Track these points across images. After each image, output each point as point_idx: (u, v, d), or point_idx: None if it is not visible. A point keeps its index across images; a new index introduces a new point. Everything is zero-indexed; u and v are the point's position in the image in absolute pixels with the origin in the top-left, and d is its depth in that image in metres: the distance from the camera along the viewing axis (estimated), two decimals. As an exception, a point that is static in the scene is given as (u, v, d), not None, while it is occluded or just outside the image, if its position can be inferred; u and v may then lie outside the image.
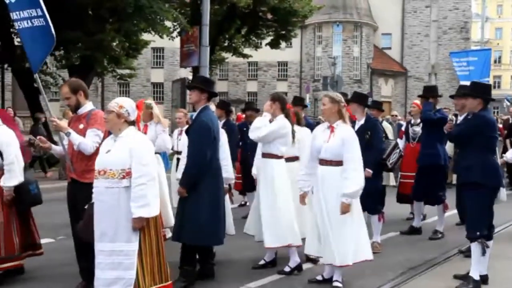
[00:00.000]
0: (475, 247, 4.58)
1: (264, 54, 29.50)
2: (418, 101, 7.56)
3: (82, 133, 4.32)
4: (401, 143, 7.41)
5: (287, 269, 5.10)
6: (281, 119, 5.22)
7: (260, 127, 5.17)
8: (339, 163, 4.51)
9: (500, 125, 12.65)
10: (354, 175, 4.44)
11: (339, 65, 35.19)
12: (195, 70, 18.13)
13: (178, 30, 18.96)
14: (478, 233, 4.52)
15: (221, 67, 36.49)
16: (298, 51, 40.12)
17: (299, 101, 7.09)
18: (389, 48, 40.69)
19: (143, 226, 3.65)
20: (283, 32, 22.41)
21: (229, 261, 5.54)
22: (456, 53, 21.57)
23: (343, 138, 4.48)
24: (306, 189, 4.76)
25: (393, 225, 7.20)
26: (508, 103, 43.25)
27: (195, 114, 4.90)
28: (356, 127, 6.10)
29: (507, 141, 11.65)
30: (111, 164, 3.70)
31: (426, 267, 5.39)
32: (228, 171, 5.28)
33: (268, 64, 40.87)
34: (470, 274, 4.64)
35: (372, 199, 5.95)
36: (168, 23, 16.26)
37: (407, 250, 6.17)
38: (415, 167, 7.08)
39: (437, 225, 7.03)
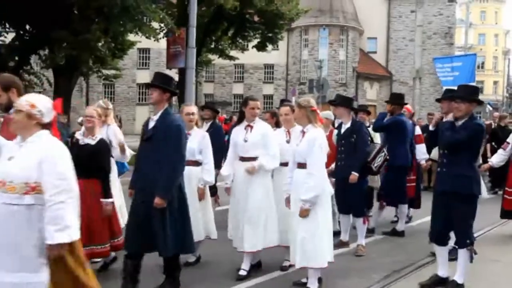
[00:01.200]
0: (463, 254, 4.63)
1: (250, 56, 29.55)
2: (409, 106, 7.67)
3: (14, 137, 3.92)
4: None
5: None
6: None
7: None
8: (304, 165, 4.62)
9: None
10: (310, 181, 4.45)
11: (325, 69, 35.34)
12: (181, 71, 18.07)
13: (165, 31, 18.88)
14: (468, 240, 4.58)
15: (207, 69, 36.45)
16: (284, 54, 40.24)
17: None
18: (375, 52, 41.01)
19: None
20: (270, 34, 22.46)
21: (217, 263, 5.52)
22: (439, 58, 21.82)
23: (309, 141, 4.53)
24: (290, 192, 4.80)
25: (378, 228, 7.24)
26: (491, 108, 43.91)
27: (156, 116, 4.46)
28: (343, 130, 6.19)
29: (488, 146, 11.81)
30: (12, 175, 2.92)
31: (411, 269, 5.44)
32: (209, 174, 5.25)
33: (254, 67, 40.93)
34: (455, 279, 4.66)
35: (357, 202, 6.01)
36: (155, 24, 16.19)
37: (392, 252, 6.21)
38: None
39: (398, 224, 7.20)
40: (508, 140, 7.19)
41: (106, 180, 4.77)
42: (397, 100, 7.22)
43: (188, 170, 4.98)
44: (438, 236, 4.77)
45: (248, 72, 41.77)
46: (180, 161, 4.34)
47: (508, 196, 7.09)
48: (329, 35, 38.16)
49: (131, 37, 18.03)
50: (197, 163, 5.31)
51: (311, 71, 36.84)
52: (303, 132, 4.64)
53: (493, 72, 60.50)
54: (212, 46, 23.12)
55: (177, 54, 18.44)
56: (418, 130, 7.65)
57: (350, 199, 6.05)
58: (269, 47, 24.33)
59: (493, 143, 11.63)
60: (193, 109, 5.46)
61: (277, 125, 5.95)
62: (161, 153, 4.23)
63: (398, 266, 5.55)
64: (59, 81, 15.80)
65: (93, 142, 4.81)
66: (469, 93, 4.73)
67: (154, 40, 16.76)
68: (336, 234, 6.24)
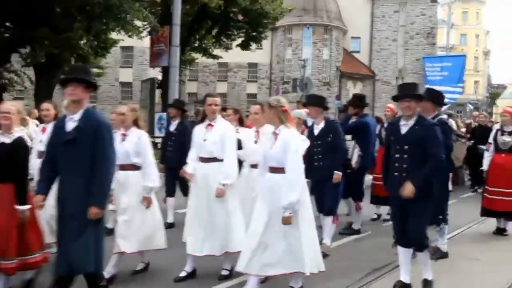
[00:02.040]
0: (424, 255, 4.60)
1: (234, 55, 29.54)
2: (391, 105, 7.71)
3: None
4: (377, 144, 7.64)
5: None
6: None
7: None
8: (284, 170, 4.27)
9: (463, 129, 12.97)
10: (290, 186, 4.17)
11: (308, 68, 35.47)
12: (165, 70, 18.00)
13: (148, 29, 18.78)
14: (427, 241, 4.55)
15: (191, 68, 36.33)
16: (268, 53, 40.31)
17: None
18: (358, 52, 41.31)
19: None
20: (254, 33, 22.49)
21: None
22: (429, 57, 22.08)
23: (284, 144, 4.23)
24: None
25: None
26: (472, 107, 44.51)
27: (77, 115, 3.82)
28: (316, 131, 6.07)
29: (467, 144, 11.98)
30: None
31: (392, 268, 5.49)
32: (151, 179, 4.83)
33: (238, 66, 40.92)
34: (426, 277, 4.64)
35: (330, 201, 5.95)
36: (138, 23, 16.09)
37: (374, 251, 6.26)
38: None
39: (354, 222, 7.24)
40: (489, 140, 7.31)
41: (22, 184, 4.20)
42: (358, 102, 7.30)
43: (124, 175, 4.75)
44: (400, 237, 4.62)
45: (232, 71, 41.74)
46: (112, 165, 3.84)
47: (488, 194, 7.18)
48: (313, 35, 38.33)
49: (114, 35, 17.90)
50: (134, 167, 4.87)
51: (294, 70, 36.97)
52: (275, 134, 4.34)
53: (474, 72, 61.25)
54: (196, 44, 23.06)
55: (160, 53, 18.37)
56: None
57: (321, 198, 6.01)
58: (253, 46, 24.36)
59: (473, 142, 11.78)
60: (124, 109, 5.06)
61: (240, 122, 5.87)
62: (88, 157, 3.68)
63: (379, 264, 5.61)
64: (41, 79, 15.65)
65: (8, 141, 4.26)
66: (434, 96, 4.80)
67: (138, 39, 16.68)
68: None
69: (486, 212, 7.30)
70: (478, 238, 7.11)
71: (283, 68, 39.50)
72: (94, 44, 17.18)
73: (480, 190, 10.21)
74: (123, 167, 4.79)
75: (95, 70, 24.11)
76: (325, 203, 6.01)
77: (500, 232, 7.21)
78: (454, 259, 5.93)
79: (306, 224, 4.32)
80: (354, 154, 6.51)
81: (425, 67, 17.93)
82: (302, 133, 6.32)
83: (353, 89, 40.08)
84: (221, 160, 4.91)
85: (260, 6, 20.03)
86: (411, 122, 4.46)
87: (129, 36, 16.07)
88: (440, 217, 5.70)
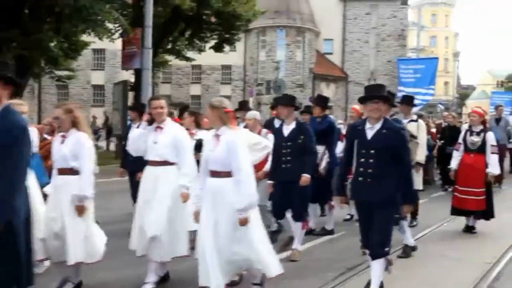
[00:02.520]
0: (379, 264, 4.37)
1: (208, 57, 29.45)
2: (357, 106, 7.77)
3: None
4: (340, 146, 7.50)
5: None
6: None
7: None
8: (229, 174, 4.07)
9: (433, 130, 13.21)
10: (243, 187, 3.98)
11: (282, 69, 35.74)
12: (137, 72, 17.83)
13: (120, 31, 18.58)
14: (386, 249, 4.38)
15: (164, 70, 36.08)
16: (242, 55, 40.33)
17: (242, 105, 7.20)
18: (331, 54, 41.68)
19: None
20: (227, 35, 22.47)
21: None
22: (403, 60, 22.41)
23: (228, 146, 4.05)
24: (200, 204, 4.24)
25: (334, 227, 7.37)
26: (442, 107, 45.33)
27: None
28: (286, 132, 5.91)
29: (437, 144, 12.23)
30: None
31: (364, 267, 5.55)
32: (84, 187, 4.46)
33: (211, 68, 40.83)
34: None
35: (298, 206, 5.80)
36: (109, 25, 15.91)
37: (347, 251, 6.31)
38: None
39: (327, 223, 7.25)
40: (459, 140, 7.41)
41: None
42: (324, 103, 7.33)
43: (61, 179, 4.54)
44: (366, 241, 4.51)
45: (205, 73, 41.62)
46: (22, 169, 3.29)
47: (458, 194, 7.30)
48: (286, 37, 38.52)
49: (85, 37, 17.65)
50: (72, 171, 4.53)
51: (268, 72, 37.11)
52: (217, 136, 4.14)
53: (444, 73, 62.48)
54: (169, 46, 22.92)
55: (132, 55, 18.18)
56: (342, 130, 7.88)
57: (292, 203, 5.83)
58: (227, 48, 24.33)
59: (443, 142, 12.02)
60: (58, 112, 4.74)
61: (197, 125, 5.73)
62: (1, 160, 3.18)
63: (352, 264, 5.67)
64: (9, 82, 15.32)
65: None
66: (387, 97, 4.61)
67: (109, 41, 16.48)
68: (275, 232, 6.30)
69: (456, 211, 7.43)
70: (448, 236, 7.26)
71: (257, 70, 39.59)
72: (64, 46, 16.90)
73: (450, 189, 10.42)
74: (61, 171, 4.57)
75: (66, 72, 23.71)
76: (294, 208, 5.84)
77: (469, 230, 7.35)
78: (425, 257, 6.05)
79: (254, 225, 4.13)
80: (324, 159, 6.45)
81: (398, 69, 18.16)
82: (259, 133, 6.24)
83: (326, 90, 40.40)
84: (173, 164, 4.76)
85: (233, 8, 20.02)
86: (378, 125, 4.32)
87: (100, 39, 15.87)
88: (397, 215, 5.76)
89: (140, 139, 4.92)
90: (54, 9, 13.47)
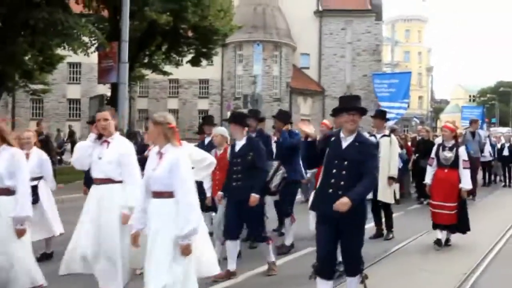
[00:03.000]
0: (354, 281, 4.27)
1: (185, 71, 29.46)
2: (326, 121, 7.91)
3: None
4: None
5: None
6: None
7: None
8: (172, 194, 3.76)
9: (409, 143, 13.42)
10: (184, 210, 3.66)
11: (259, 84, 35.93)
12: (114, 86, 17.69)
13: (96, 45, 18.46)
14: (361, 266, 4.30)
15: (141, 84, 35.90)
16: (219, 69, 40.44)
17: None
18: (308, 68, 42.09)
19: None
20: (204, 50, 22.48)
21: None
22: (378, 74, 22.74)
23: (171, 164, 3.74)
24: (139, 226, 3.92)
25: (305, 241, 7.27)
26: (418, 121, 46.08)
27: None
28: (237, 148, 5.73)
29: (412, 158, 12.41)
30: None
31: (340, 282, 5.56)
32: (20, 207, 4.13)
33: (189, 82, 40.81)
34: None
35: (255, 226, 5.67)
36: (85, 38, 15.79)
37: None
38: None
39: (285, 238, 7.00)
40: (431, 155, 7.41)
41: None
42: (287, 118, 7.32)
43: None
44: (324, 266, 4.20)
45: (183, 87, 41.57)
46: None
47: (433, 208, 7.25)
48: (263, 51, 38.80)
49: (60, 51, 17.47)
50: (8, 191, 4.17)
51: (245, 86, 37.25)
52: (160, 154, 3.84)
53: (418, 88, 63.64)
54: (146, 61, 22.82)
55: (109, 69, 18.02)
56: None
57: (248, 224, 5.73)
58: (204, 62, 24.34)
59: (417, 155, 12.21)
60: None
61: None
62: None
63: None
64: (-18, 96, 15.05)
65: None
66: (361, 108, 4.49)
67: (85, 55, 16.34)
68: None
69: (435, 225, 7.38)
70: (424, 248, 7.31)
71: (234, 84, 39.70)
72: (39, 60, 16.71)
73: (425, 202, 10.56)
74: None
75: (40, 86, 23.41)
76: (251, 230, 5.74)
77: (439, 243, 7.20)
78: (401, 270, 6.10)
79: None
80: (277, 176, 6.07)
81: (374, 84, 18.45)
82: (225, 151, 6.13)
83: (303, 104, 40.76)
84: (119, 182, 4.46)
85: (209, 23, 20.07)
86: (351, 138, 4.20)
87: (75, 52, 15.72)
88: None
89: (85, 153, 4.62)
90: (29, 22, 13.31)
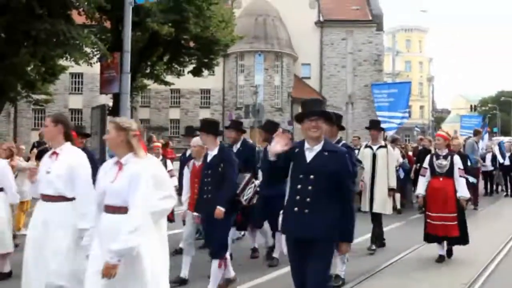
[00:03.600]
0: None
1: (186, 81, 29.54)
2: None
3: None
4: None
5: None
6: None
7: None
8: (126, 209, 3.32)
9: (410, 153, 13.43)
10: (126, 226, 3.20)
11: (260, 94, 36.04)
12: (116, 97, 17.77)
13: (98, 56, 18.57)
14: (331, 284, 4.11)
15: (143, 94, 35.99)
16: (220, 79, 40.58)
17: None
18: (309, 78, 42.22)
19: None
20: (206, 60, 22.57)
21: None
22: (377, 84, 22.87)
23: (131, 177, 3.31)
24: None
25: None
26: (419, 131, 46.06)
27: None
28: (209, 158, 5.40)
29: (413, 167, 12.41)
30: None
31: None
32: None
33: (190, 92, 40.94)
34: None
35: (217, 242, 5.24)
36: (87, 49, 15.90)
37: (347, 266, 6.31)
38: None
39: (275, 251, 6.73)
40: (424, 165, 7.22)
41: None
42: (274, 127, 6.75)
43: None
44: None
45: (184, 97, 41.70)
46: None
47: (431, 220, 7.00)
48: (264, 61, 38.96)
49: (63, 61, 17.55)
50: None
51: (247, 96, 37.36)
52: (120, 164, 3.40)
53: (419, 97, 63.75)
54: (148, 71, 22.93)
55: (111, 80, 18.12)
56: None
57: (207, 236, 5.50)
58: (205, 72, 24.43)
59: (419, 165, 12.19)
60: None
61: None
62: None
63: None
64: (-15, 107, 15.12)
65: None
66: (333, 119, 4.20)
67: (87, 65, 16.43)
68: None
69: (430, 237, 7.10)
70: (425, 258, 7.26)
71: (236, 94, 39.82)
72: (41, 70, 16.77)
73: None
74: None
75: (43, 96, 23.49)
76: (211, 244, 5.34)
77: (441, 259, 6.99)
78: (402, 280, 6.08)
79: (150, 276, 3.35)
80: (248, 189, 5.74)
81: (373, 94, 18.52)
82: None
83: (304, 114, 40.78)
84: (71, 199, 3.91)
85: (211, 33, 20.18)
86: (318, 147, 3.68)
87: (77, 63, 15.82)
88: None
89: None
90: (31, 33, 13.39)
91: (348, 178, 3.75)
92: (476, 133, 14.83)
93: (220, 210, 5.11)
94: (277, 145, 3.60)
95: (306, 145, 3.72)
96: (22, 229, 8.02)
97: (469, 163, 12.23)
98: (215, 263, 5.23)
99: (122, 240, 3.15)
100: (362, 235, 7.62)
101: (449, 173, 6.91)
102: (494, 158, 15.99)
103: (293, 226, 3.65)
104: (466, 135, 18.99)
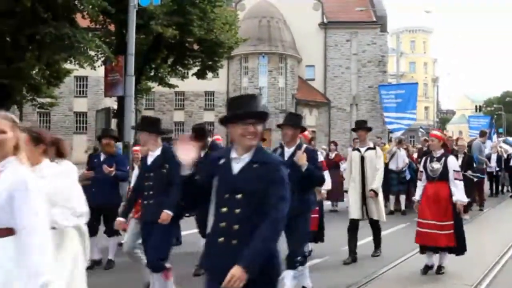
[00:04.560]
0: None
1: (191, 83, 29.61)
2: (307, 133, 7.04)
3: None
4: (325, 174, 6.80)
5: None
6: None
7: None
8: (11, 231, 2.44)
9: (415, 155, 13.40)
10: (28, 259, 2.35)
11: (265, 96, 36.07)
12: (120, 99, 17.83)
13: (103, 59, 18.64)
14: None
15: (147, 97, 36.09)
16: (225, 81, 40.61)
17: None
18: (313, 79, 42.19)
19: None
20: (210, 62, 22.63)
21: None
22: (385, 85, 22.90)
23: (10, 189, 2.42)
24: None
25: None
26: (424, 132, 45.98)
27: None
28: (149, 160, 4.90)
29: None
30: None
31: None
32: None
33: (195, 94, 41.00)
34: None
35: (157, 252, 4.73)
36: (91, 52, 15.99)
37: (331, 275, 6.31)
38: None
39: None
40: (420, 168, 6.69)
41: None
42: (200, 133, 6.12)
43: None
44: None
45: (188, 100, 41.76)
46: None
47: (421, 228, 6.33)
48: (268, 63, 38.97)
49: (67, 64, 17.65)
50: None
51: (251, 98, 37.33)
52: None
53: (424, 98, 63.59)
54: (152, 74, 23.00)
55: (115, 82, 18.20)
56: (320, 156, 6.95)
57: (145, 246, 4.89)
58: (209, 75, 24.48)
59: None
60: None
61: (59, 154, 3.87)
62: None
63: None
64: (-10, 110, 15.19)
65: None
66: (297, 121, 4.21)
67: (91, 68, 16.51)
68: None
69: (421, 248, 6.50)
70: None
71: (240, 96, 39.84)
72: (46, 74, 16.88)
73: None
74: None
75: (47, 99, 23.61)
76: (149, 254, 4.78)
77: (425, 271, 6.37)
78: (406, 282, 6.07)
79: None
80: None
81: (381, 95, 18.54)
82: None
83: (309, 115, 40.78)
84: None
85: (215, 36, 20.23)
86: (247, 156, 2.78)
87: (81, 66, 15.90)
88: (299, 258, 4.98)
89: None
90: (36, 37, 13.48)
91: (278, 200, 2.69)
92: (482, 134, 14.78)
93: (167, 214, 4.59)
94: (182, 154, 2.78)
95: (233, 154, 2.81)
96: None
97: (474, 165, 12.21)
98: (157, 276, 4.72)
99: (30, 278, 2.32)
100: (361, 239, 7.54)
101: (443, 176, 6.24)
102: (499, 158, 15.94)
103: (218, 261, 2.71)
104: (474, 136, 18.94)
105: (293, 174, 3.94)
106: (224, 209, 2.75)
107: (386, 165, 11.38)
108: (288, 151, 5.05)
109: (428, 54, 70.46)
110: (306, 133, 6.85)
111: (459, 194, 6.19)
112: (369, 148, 7.14)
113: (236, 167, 2.79)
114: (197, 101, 41.84)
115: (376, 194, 6.96)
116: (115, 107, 20.14)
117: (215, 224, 2.80)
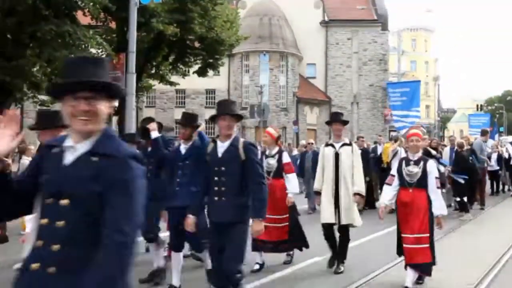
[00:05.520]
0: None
1: (192, 81, 29.61)
2: (271, 130, 6.80)
3: None
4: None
5: None
6: None
7: None
8: None
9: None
10: None
11: (265, 94, 35.98)
12: (121, 97, 17.82)
13: (104, 56, 18.63)
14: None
15: (148, 94, 36.04)
16: (225, 79, 40.57)
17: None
18: (314, 78, 42.15)
19: None
20: (211, 60, 22.63)
21: None
22: (392, 84, 22.96)
23: None
24: None
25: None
26: (425, 131, 45.86)
27: None
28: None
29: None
30: None
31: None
32: None
33: (196, 92, 40.96)
34: None
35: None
36: (92, 50, 15.98)
37: (319, 283, 6.22)
38: (283, 208, 6.44)
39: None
40: (392, 172, 5.80)
41: None
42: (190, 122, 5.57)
43: None
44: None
45: (189, 97, 41.74)
46: None
47: (406, 244, 5.54)
48: (269, 61, 38.92)
49: (68, 62, 17.62)
50: None
51: (252, 96, 37.32)
52: None
53: (425, 97, 63.44)
54: (153, 71, 23.00)
55: (116, 80, 18.16)
56: (286, 158, 6.58)
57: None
58: (210, 72, 24.48)
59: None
60: None
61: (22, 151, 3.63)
62: None
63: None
64: (-9, 107, 15.18)
65: None
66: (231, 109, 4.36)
67: (92, 66, 16.50)
68: None
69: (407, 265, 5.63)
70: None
71: (241, 94, 39.80)
72: (47, 71, 16.85)
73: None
74: None
75: (48, 97, 23.60)
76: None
77: None
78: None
79: None
80: None
81: (388, 93, 18.62)
82: None
83: (310, 114, 40.79)
84: None
85: (216, 33, 20.25)
86: (84, 145, 1.98)
87: (83, 64, 15.90)
88: (237, 276, 4.35)
89: None
90: (37, 34, 13.46)
91: (124, 215, 1.84)
92: (484, 133, 14.76)
93: (164, 214, 5.09)
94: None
95: (68, 142, 1.99)
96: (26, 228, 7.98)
97: (477, 164, 12.17)
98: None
99: None
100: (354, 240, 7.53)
101: (421, 183, 5.44)
102: (499, 157, 15.93)
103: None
104: (475, 134, 18.93)
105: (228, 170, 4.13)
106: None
107: (388, 164, 11.39)
108: (222, 146, 4.22)
109: (429, 53, 70.37)
110: (272, 130, 6.57)
111: (439, 206, 5.44)
112: (344, 144, 6.30)
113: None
114: (198, 99, 41.82)
115: (363, 197, 6.23)
116: (116, 104, 20.14)
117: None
